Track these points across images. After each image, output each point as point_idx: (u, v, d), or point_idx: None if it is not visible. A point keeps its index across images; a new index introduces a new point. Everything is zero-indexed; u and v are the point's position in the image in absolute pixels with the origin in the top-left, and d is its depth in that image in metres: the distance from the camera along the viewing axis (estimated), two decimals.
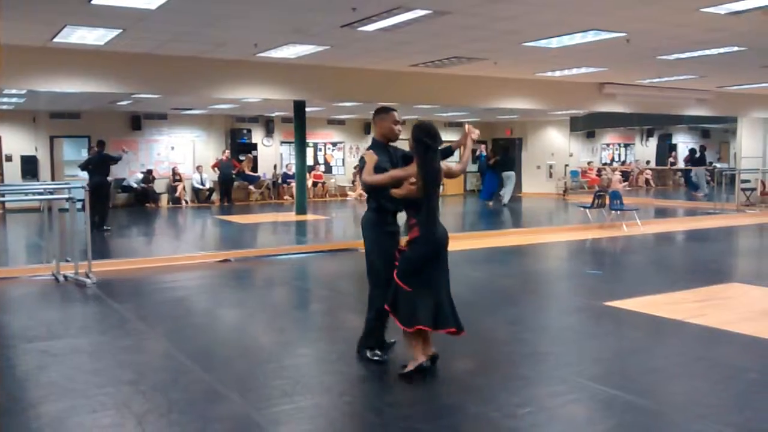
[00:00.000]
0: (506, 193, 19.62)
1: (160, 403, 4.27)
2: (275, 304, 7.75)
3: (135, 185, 19.84)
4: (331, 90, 12.33)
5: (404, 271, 4.70)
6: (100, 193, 13.10)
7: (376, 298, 4.99)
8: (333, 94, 12.73)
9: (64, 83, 10.22)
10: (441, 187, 5.05)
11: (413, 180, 4.61)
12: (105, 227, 13.36)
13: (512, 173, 19.96)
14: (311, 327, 6.60)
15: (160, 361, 5.30)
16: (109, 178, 14.73)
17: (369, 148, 5.00)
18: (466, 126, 5.12)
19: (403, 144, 5.33)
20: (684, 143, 28.88)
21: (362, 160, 4.87)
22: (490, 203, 19.61)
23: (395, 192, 4.69)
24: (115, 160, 14.07)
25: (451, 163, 4.99)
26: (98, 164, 13.63)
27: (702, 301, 7.14)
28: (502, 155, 20.55)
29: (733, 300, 7.41)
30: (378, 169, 4.79)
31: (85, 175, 14.14)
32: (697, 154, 23.09)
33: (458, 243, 11.03)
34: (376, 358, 5.06)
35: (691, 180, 23.32)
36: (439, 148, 4.74)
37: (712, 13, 7.60)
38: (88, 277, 8.28)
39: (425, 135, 4.61)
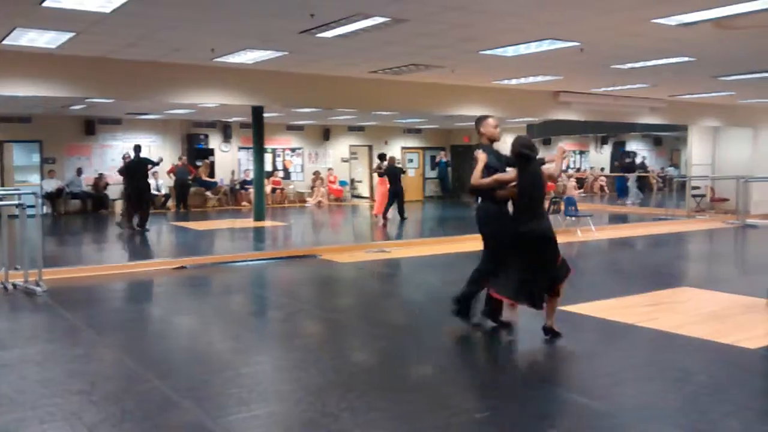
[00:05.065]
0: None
1: (112, 412, 4.18)
2: (231, 311, 7.66)
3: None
4: (289, 96, 12.28)
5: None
6: (142, 196, 14.28)
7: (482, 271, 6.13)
8: (291, 99, 12.68)
9: (13, 86, 9.96)
10: (545, 190, 6.04)
11: (514, 184, 5.59)
12: (146, 228, 14.21)
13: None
14: (268, 334, 6.54)
15: (113, 370, 5.19)
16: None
17: (479, 148, 5.92)
18: (560, 148, 6.17)
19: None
20: (637, 150, 29.53)
21: (474, 160, 5.78)
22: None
23: (500, 193, 5.73)
24: (154, 163, 14.74)
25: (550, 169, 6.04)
26: (137, 168, 14.26)
27: (653, 305, 7.28)
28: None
29: (684, 304, 7.57)
30: (489, 167, 5.74)
31: (35, 180, 13.92)
32: (629, 160, 23.17)
33: (414, 249, 11.10)
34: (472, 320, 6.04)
35: (621, 186, 23.52)
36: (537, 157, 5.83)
37: (663, 24, 7.81)
38: (38, 285, 8.07)
39: (524, 147, 5.55)
